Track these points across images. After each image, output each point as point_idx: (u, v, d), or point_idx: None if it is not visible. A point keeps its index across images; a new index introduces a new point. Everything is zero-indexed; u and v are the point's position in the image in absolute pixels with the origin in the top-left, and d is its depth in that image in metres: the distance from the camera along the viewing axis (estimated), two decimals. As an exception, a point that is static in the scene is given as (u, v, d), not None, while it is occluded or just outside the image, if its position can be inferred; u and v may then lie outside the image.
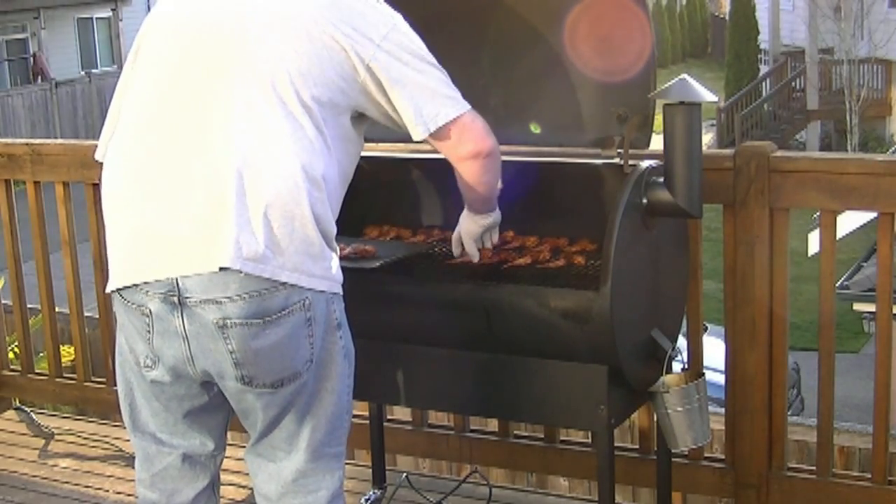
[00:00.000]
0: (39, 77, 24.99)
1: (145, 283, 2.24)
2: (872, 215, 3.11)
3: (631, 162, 2.73)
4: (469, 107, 2.38)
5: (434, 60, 2.37)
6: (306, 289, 2.22)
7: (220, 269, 2.16)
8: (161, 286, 2.22)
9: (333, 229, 2.30)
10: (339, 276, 2.32)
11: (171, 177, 2.23)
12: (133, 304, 2.28)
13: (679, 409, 2.76)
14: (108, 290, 2.33)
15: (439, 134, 2.36)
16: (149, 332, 2.28)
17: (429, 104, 2.33)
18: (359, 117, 2.37)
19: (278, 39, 2.27)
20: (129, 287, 2.28)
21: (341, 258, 2.59)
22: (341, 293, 2.33)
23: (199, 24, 2.33)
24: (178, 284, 2.20)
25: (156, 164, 2.26)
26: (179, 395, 2.37)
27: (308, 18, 2.28)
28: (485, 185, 2.53)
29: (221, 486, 2.64)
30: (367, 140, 2.49)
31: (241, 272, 2.16)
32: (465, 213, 2.69)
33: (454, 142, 2.38)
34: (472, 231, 2.70)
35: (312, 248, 2.23)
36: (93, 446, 4.01)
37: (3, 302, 5.13)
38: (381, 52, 2.29)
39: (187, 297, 2.20)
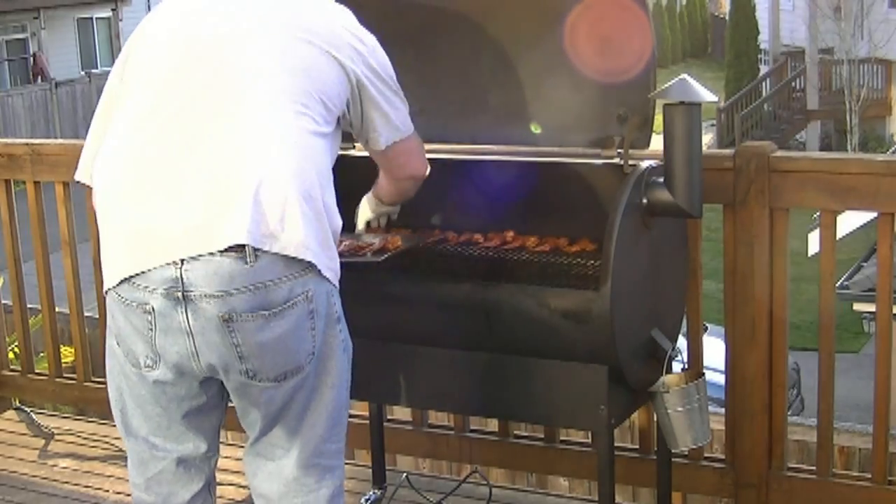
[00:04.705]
0: (39, 77, 24.99)
1: (148, 272, 2.21)
2: (872, 215, 3.11)
3: (631, 162, 2.73)
4: (413, 129, 2.57)
5: (398, 86, 2.52)
6: (309, 278, 2.23)
7: (233, 246, 2.16)
8: (164, 281, 2.20)
9: (339, 222, 2.34)
10: (339, 271, 2.35)
11: (179, 173, 2.23)
12: (133, 302, 2.26)
13: (679, 409, 2.76)
14: (108, 285, 2.30)
15: (387, 152, 2.55)
16: (150, 329, 2.26)
17: (389, 122, 2.50)
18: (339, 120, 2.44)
19: (280, 42, 2.33)
20: (127, 284, 2.25)
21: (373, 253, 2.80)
22: (338, 288, 2.35)
23: (195, 28, 2.38)
24: (181, 278, 2.19)
25: (160, 164, 2.25)
26: (180, 395, 2.36)
27: (298, 27, 2.36)
28: (405, 197, 2.80)
29: (221, 486, 2.65)
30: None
31: (246, 263, 2.17)
32: (370, 197, 2.89)
33: (400, 163, 2.61)
34: (369, 213, 2.92)
35: (325, 236, 2.27)
36: (93, 446, 4.01)
37: (3, 302, 5.13)
38: (364, 65, 2.41)
39: (190, 292, 2.19)
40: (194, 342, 2.24)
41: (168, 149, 2.26)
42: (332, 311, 2.33)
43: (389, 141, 2.52)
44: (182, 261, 2.19)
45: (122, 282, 2.27)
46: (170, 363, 2.29)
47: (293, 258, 2.21)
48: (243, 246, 2.17)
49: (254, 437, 2.41)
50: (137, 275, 2.24)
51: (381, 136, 2.50)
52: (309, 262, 2.23)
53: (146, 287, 2.23)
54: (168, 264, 2.20)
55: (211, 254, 2.17)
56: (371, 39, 2.46)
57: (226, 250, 2.17)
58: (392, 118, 2.49)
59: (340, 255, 2.39)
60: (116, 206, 2.29)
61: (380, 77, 2.45)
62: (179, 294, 2.20)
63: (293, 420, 2.35)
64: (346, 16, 2.46)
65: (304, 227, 2.21)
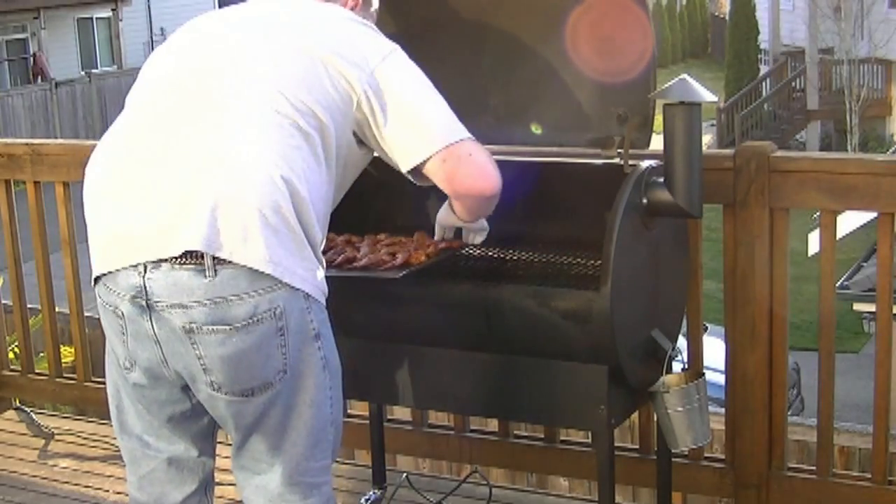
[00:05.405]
0: (39, 77, 25.00)
1: (116, 273, 2.21)
2: (872, 215, 3.11)
3: (631, 162, 2.73)
4: (465, 136, 2.35)
5: (433, 90, 2.36)
6: (279, 295, 2.17)
7: (191, 257, 2.13)
8: (129, 288, 2.20)
9: (319, 236, 2.26)
10: (324, 286, 2.28)
11: (152, 178, 2.22)
12: (108, 304, 2.27)
13: (679, 409, 2.76)
14: (93, 284, 2.31)
15: (426, 168, 2.35)
16: (123, 333, 2.27)
17: (413, 137, 2.33)
18: (361, 140, 2.38)
19: (275, 52, 2.31)
20: (102, 285, 2.26)
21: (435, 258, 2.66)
22: (323, 303, 2.29)
23: (198, 43, 2.40)
24: (145, 287, 2.18)
25: (139, 167, 2.25)
26: (160, 399, 2.35)
27: (301, 40, 2.32)
28: (477, 215, 2.58)
29: (221, 487, 2.64)
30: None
31: (205, 277, 2.14)
32: (447, 206, 2.63)
33: (444, 177, 2.36)
34: (446, 221, 2.67)
35: (300, 250, 2.20)
36: (93, 446, 4.01)
37: (3, 302, 5.13)
38: (372, 80, 2.31)
39: (154, 301, 2.18)
40: (162, 350, 2.23)
41: (148, 153, 2.25)
42: (308, 327, 2.25)
43: (417, 160, 2.34)
44: (145, 268, 2.17)
45: (97, 283, 2.29)
46: (142, 367, 2.29)
47: (260, 273, 2.15)
48: (202, 257, 2.13)
49: (234, 448, 2.37)
50: (107, 275, 2.24)
51: (402, 157, 2.35)
52: (278, 278, 2.16)
53: (115, 291, 2.23)
54: (132, 269, 2.19)
55: (170, 263, 2.15)
56: (378, 54, 2.34)
57: (184, 261, 2.14)
58: (417, 129, 2.33)
59: (363, 269, 2.34)
60: (97, 206, 2.29)
61: (391, 87, 2.32)
62: (143, 303, 2.20)
63: (271, 436, 2.30)
64: (358, 28, 2.38)
65: (270, 242, 2.14)
